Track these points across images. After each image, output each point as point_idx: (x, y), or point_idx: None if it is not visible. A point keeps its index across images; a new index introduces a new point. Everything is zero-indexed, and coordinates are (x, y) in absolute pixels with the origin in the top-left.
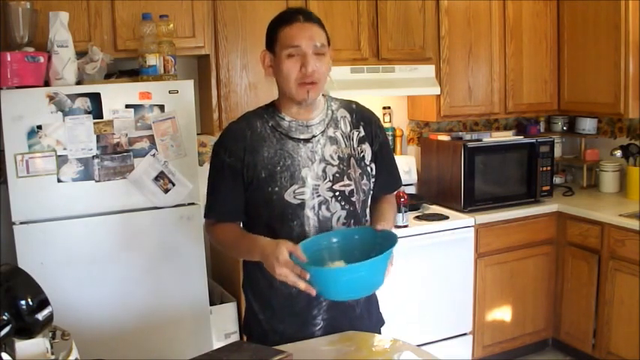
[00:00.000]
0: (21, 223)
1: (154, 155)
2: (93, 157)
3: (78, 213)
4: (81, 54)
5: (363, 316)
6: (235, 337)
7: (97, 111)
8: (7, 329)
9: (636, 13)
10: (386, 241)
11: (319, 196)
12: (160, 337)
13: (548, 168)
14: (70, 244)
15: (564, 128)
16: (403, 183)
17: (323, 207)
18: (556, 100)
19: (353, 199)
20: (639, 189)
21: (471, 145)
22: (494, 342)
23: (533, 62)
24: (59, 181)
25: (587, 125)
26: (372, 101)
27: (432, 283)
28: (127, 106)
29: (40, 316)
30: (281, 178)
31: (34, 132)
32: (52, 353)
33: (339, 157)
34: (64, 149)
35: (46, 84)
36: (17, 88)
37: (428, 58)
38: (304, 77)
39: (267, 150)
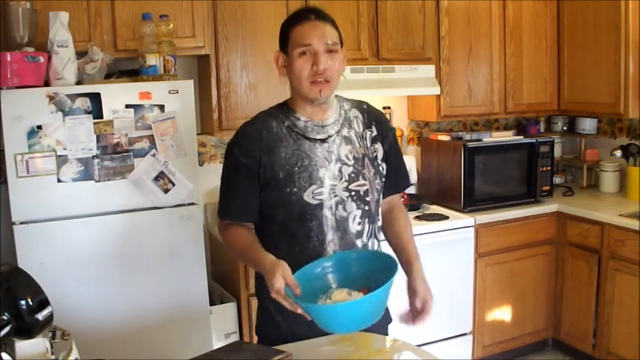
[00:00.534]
0: (21, 223)
1: (154, 155)
2: (93, 157)
3: (78, 213)
4: (81, 54)
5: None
6: (235, 337)
7: (97, 111)
8: (7, 329)
9: (636, 13)
10: (386, 269)
11: (336, 196)
12: (160, 337)
13: (548, 168)
14: (70, 244)
15: (564, 128)
16: None
17: (340, 207)
18: (556, 100)
19: (368, 198)
20: (639, 189)
21: (471, 145)
22: (494, 342)
23: (533, 62)
24: (59, 181)
25: (587, 125)
26: (372, 101)
27: (432, 283)
28: (127, 106)
29: (40, 316)
30: (299, 179)
31: (34, 132)
32: (52, 353)
33: (354, 157)
34: (64, 149)
35: (46, 84)
36: (17, 88)
37: (428, 58)
38: (316, 75)
39: (285, 150)
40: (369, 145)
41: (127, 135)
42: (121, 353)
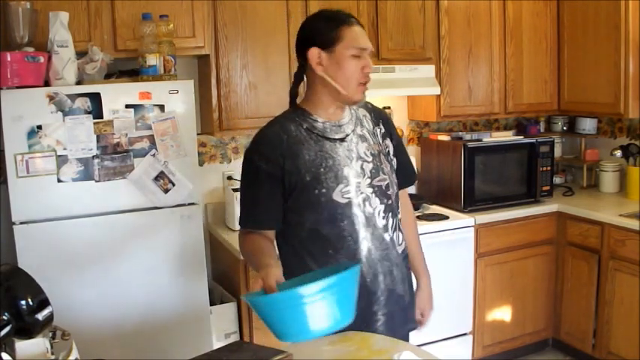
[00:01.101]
0: (21, 223)
1: (154, 155)
2: (93, 157)
3: (78, 213)
4: (81, 54)
5: (411, 302)
6: (235, 337)
7: (97, 111)
8: (7, 329)
9: (636, 13)
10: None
11: (362, 193)
12: (160, 337)
13: (548, 168)
14: (70, 244)
15: (564, 128)
16: None
17: (366, 203)
18: (556, 100)
19: (389, 192)
20: (639, 189)
21: (471, 145)
22: (494, 342)
23: (533, 62)
24: (59, 181)
25: (587, 125)
26: (372, 101)
27: (432, 283)
28: (127, 106)
29: (40, 316)
30: (326, 179)
31: (34, 132)
32: (52, 353)
33: (371, 153)
34: (64, 149)
35: (46, 84)
36: (17, 88)
37: (428, 58)
38: (365, 77)
39: (307, 153)
40: (380, 141)
41: (127, 135)
42: (121, 353)
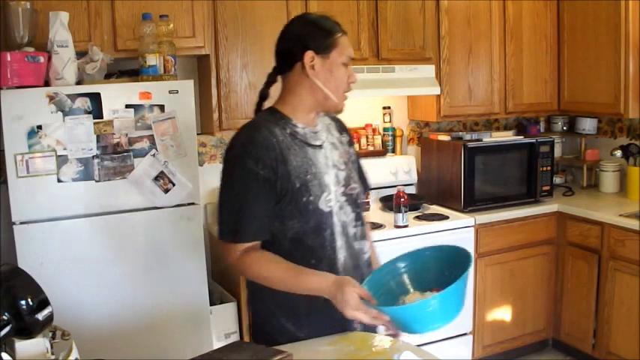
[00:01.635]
0: (21, 223)
1: (154, 155)
2: (93, 157)
3: (78, 213)
4: (81, 54)
5: None
6: (235, 337)
7: (97, 111)
8: (7, 329)
9: (636, 13)
10: (458, 261)
11: (338, 201)
12: (160, 337)
13: (548, 168)
14: (70, 244)
15: (564, 128)
16: (403, 183)
17: (341, 212)
18: (556, 100)
19: (358, 201)
20: (639, 189)
21: (471, 145)
22: (494, 342)
23: (534, 62)
24: (59, 181)
25: (587, 125)
26: (372, 101)
27: None
28: (127, 106)
29: (40, 316)
30: (312, 187)
31: (34, 132)
32: (52, 353)
33: (344, 161)
34: (64, 149)
35: (46, 84)
36: (17, 88)
37: (428, 58)
38: (348, 87)
39: (294, 159)
40: (348, 149)
41: (127, 135)
42: (121, 353)
